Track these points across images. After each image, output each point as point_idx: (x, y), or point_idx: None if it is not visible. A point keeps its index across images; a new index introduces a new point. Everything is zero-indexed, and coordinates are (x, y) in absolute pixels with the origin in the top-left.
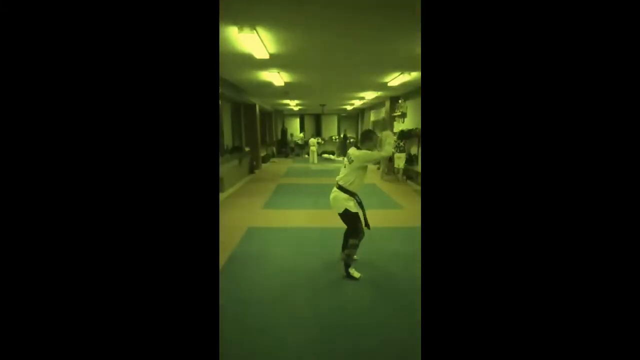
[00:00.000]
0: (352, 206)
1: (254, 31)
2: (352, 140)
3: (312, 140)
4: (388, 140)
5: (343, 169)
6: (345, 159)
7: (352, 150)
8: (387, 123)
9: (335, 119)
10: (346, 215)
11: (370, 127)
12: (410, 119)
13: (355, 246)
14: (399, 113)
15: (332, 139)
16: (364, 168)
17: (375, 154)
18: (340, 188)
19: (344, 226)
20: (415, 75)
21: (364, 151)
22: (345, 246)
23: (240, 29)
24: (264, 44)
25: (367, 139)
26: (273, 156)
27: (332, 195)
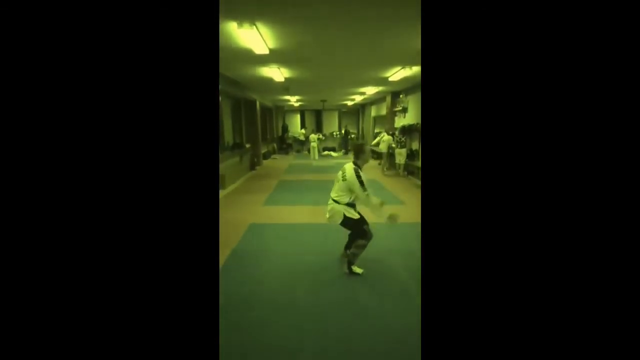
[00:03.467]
0: (353, 212)
1: (254, 26)
2: (352, 136)
3: (313, 137)
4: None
5: (336, 184)
6: (340, 173)
7: (348, 168)
8: (388, 119)
9: (336, 114)
10: (347, 222)
11: (372, 123)
12: (411, 114)
13: (364, 246)
14: (400, 108)
15: (333, 135)
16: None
17: (359, 191)
18: (336, 201)
19: None
20: (416, 69)
21: (354, 181)
22: (349, 246)
23: (240, 24)
24: (263, 39)
25: (361, 153)
26: (274, 153)
27: (328, 209)
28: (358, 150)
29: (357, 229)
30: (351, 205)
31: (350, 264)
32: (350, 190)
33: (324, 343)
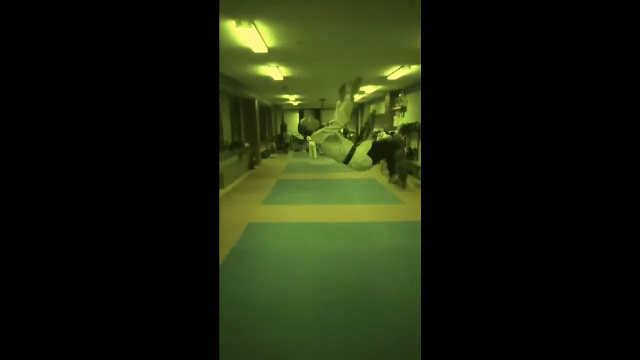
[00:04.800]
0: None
1: (252, 25)
2: (352, 135)
3: None
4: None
5: (338, 153)
6: (319, 150)
7: (313, 144)
8: (387, 117)
9: (335, 113)
10: (380, 147)
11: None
12: (410, 113)
13: (407, 163)
14: (399, 107)
15: None
16: (333, 137)
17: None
18: (353, 149)
19: (344, 221)
20: (415, 68)
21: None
22: (393, 168)
23: (238, 22)
24: (262, 38)
25: (307, 127)
26: (273, 151)
27: (358, 160)
28: (303, 129)
29: (389, 156)
30: (359, 138)
31: (405, 176)
32: (333, 137)
33: (324, 341)
